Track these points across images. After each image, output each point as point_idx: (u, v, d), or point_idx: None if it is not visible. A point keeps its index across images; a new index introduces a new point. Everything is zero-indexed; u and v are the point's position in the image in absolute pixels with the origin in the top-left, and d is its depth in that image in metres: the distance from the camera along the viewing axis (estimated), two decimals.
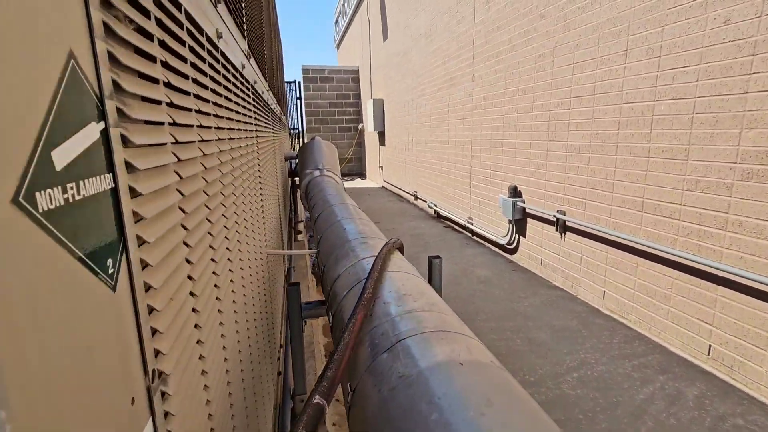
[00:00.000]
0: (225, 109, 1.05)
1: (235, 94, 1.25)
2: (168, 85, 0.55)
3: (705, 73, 2.37)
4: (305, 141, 10.36)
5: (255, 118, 1.75)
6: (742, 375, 2.30)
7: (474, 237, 5.54)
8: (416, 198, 8.15)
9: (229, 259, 1.01)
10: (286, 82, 13.91)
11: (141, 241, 0.40)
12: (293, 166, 6.05)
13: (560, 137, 3.65)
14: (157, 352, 0.41)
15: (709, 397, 2.22)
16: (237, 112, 1.26)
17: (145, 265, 0.39)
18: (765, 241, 2.13)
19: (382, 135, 11.03)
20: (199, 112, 0.76)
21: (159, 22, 0.53)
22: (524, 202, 4.25)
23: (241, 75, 1.44)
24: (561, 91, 3.59)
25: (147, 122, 0.47)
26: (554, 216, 3.72)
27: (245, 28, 1.68)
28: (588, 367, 2.51)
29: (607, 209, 3.16)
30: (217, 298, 0.87)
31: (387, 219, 7.00)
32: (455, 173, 6.11)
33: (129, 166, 0.38)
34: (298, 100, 14.61)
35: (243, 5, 1.65)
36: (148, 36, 0.48)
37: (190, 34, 0.72)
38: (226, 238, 0.96)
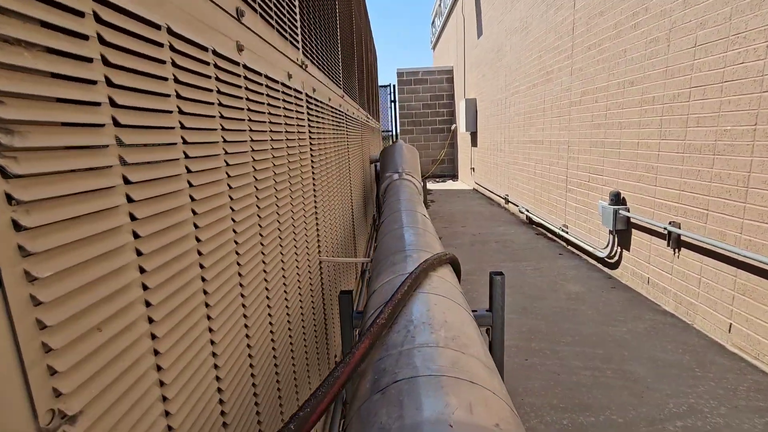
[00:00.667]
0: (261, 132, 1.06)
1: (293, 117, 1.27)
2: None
3: None
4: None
5: (310, 134, 1.77)
6: None
7: (569, 247, 5.00)
8: (507, 202, 7.68)
9: (264, 271, 1.01)
10: (381, 87, 14.27)
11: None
12: (378, 169, 6.15)
13: (676, 135, 3.07)
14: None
15: None
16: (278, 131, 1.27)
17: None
18: None
19: (474, 135, 10.66)
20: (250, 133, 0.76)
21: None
22: (628, 211, 3.69)
23: (331, 108, 1.47)
24: (678, 80, 3.02)
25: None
26: (665, 228, 3.15)
27: (341, 81, 1.72)
28: (699, 416, 2.06)
29: (738, 223, 2.57)
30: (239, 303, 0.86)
31: (474, 223, 6.72)
32: (549, 176, 5.59)
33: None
34: (392, 103, 14.88)
35: (341, 69, 1.69)
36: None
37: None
38: (236, 252, 0.96)
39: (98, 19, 0.49)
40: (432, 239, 1.90)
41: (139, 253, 0.56)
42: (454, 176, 13.93)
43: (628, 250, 3.79)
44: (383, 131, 14.73)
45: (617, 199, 3.80)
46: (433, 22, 18.24)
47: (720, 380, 2.33)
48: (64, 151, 0.44)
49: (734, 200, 2.59)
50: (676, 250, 3.14)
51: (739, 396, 2.19)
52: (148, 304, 0.57)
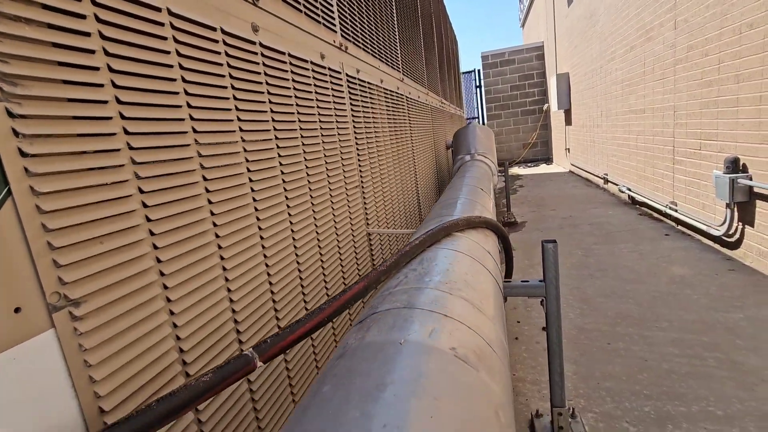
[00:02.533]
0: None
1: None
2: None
3: None
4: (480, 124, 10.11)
5: (353, 113, 1.86)
6: None
7: (678, 226, 4.36)
8: (606, 182, 6.93)
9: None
10: (464, 73, 13.90)
11: None
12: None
13: None
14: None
15: None
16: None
17: None
18: None
19: (568, 113, 9.80)
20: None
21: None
22: (750, 179, 3.09)
23: (385, 89, 1.57)
24: None
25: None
26: None
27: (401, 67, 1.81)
28: None
29: None
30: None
31: (566, 206, 6.22)
32: (654, 148, 4.92)
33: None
34: (478, 89, 14.40)
35: (399, 52, 1.79)
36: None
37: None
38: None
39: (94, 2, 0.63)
40: (483, 210, 1.86)
41: (140, 191, 0.69)
42: (548, 159, 12.97)
43: (752, 225, 3.18)
44: (468, 118, 14.33)
45: (734, 166, 3.21)
46: None
47: None
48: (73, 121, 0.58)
49: None
50: None
51: None
52: (152, 233, 0.70)
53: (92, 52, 0.61)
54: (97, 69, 0.62)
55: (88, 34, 0.61)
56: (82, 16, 0.60)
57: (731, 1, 3.21)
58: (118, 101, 0.66)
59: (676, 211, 4.32)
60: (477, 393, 0.55)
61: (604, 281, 3.29)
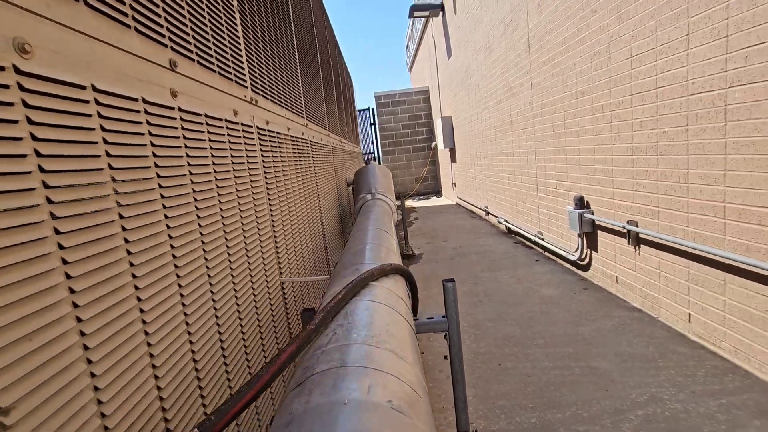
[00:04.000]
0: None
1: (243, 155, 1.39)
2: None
3: None
4: (378, 164, 10.69)
5: (264, 162, 1.89)
6: None
7: (545, 253, 5.14)
8: (487, 213, 7.85)
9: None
10: (359, 110, 14.59)
11: None
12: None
13: (624, 139, 3.27)
14: None
15: None
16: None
17: None
18: None
19: (452, 151, 10.93)
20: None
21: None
22: (592, 213, 3.86)
23: (292, 137, 1.60)
24: (620, 89, 3.24)
25: None
26: (624, 227, 3.31)
27: (305, 113, 1.86)
28: (659, 404, 2.15)
29: (684, 217, 2.73)
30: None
31: (455, 237, 6.85)
32: (522, 185, 5.78)
33: None
34: (372, 126, 15.21)
35: (302, 99, 1.84)
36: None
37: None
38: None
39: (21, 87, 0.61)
40: (392, 256, 2.01)
41: (72, 291, 0.66)
42: (438, 193, 14.15)
43: (596, 251, 3.94)
44: (365, 153, 14.98)
45: (581, 203, 3.97)
46: (407, 46, 18.85)
47: (680, 368, 2.44)
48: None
49: (678, 196, 2.76)
50: (636, 247, 3.29)
51: (698, 381, 2.29)
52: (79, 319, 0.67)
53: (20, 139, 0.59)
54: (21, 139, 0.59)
55: (15, 121, 0.58)
56: (10, 104, 0.58)
57: (567, 73, 4.06)
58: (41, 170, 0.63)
59: (542, 239, 5.10)
60: None
61: (491, 306, 3.71)
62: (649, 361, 2.54)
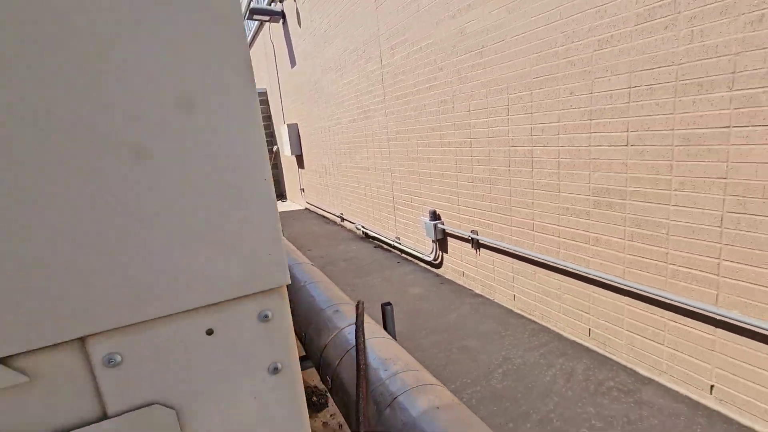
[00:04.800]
0: None
1: None
2: None
3: (563, 129, 3.17)
4: None
5: None
6: (611, 348, 3.14)
7: (403, 255, 6.14)
8: (343, 220, 8.57)
9: None
10: None
11: None
12: None
13: (466, 170, 4.36)
14: None
15: (592, 368, 3.00)
16: None
17: None
18: (610, 251, 2.96)
19: (300, 158, 11.25)
20: None
21: None
22: (443, 224, 4.93)
23: None
24: (462, 132, 4.30)
25: None
26: (469, 236, 4.43)
27: None
28: (510, 362, 3.19)
29: (509, 229, 3.92)
30: None
31: (317, 244, 7.32)
32: (379, 197, 6.66)
33: None
34: None
35: None
36: None
37: None
38: None
39: None
40: (338, 291, 2.42)
41: None
42: (282, 196, 14.22)
43: (447, 253, 5.05)
44: None
45: (435, 216, 5.01)
46: None
47: (515, 334, 3.58)
48: None
49: (505, 215, 3.94)
50: (478, 250, 4.45)
51: (526, 341, 3.45)
52: None
53: None
54: None
55: None
56: None
57: (420, 111, 5.02)
58: None
59: (400, 244, 6.07)
60: None
61: (375, 309, 4.39)
62: (497, 333, 3.62)
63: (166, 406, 0.55)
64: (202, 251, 0.54)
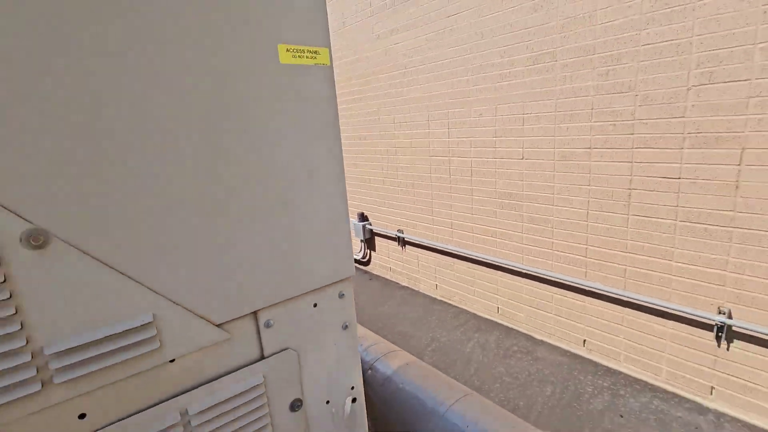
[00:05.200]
0: None
1: None
2: None
3: (474, 143, 3.84)
4: None
5: None
6: (514, 321, 3.91)
7: None
8: None
9: None
10: None
11: None
12: None
13: (392, 176, 4.89)
14: None
15: (501, 338, 3.72)
16: None
17: None
18: (512, 242, 3.71)
19: None
20: None
21: None
22: (371, 225, 5.41)
23: None
24: (388, 141, 4.81)
25: None
26: (396, 234, 4.97)
27: None
28: (437, 339, 3.77)
29: (431, 227, 4.54)
30: None
31: None
32: None
33: None
34: None
35: None
36: None
37: None
38: None
39: None
40: None
41: None
42: None
43: (374, 251, 5.53)
44: None
45: (362, 217, 5.46)
46: None
47: (439, 317, 4.19)
48: None
49: (427, 215, 4.54)
50: (403, 247, 5.01)
51: (449, 322, 4.08)
52: None
53: None
54: None
55: None
56: None
57: (354, 120, 5.42)
58: None
59: None
60: None
61: None
62: (424, 317, 4.20)
63: (293, 350, 0.87)
64: (317, 256, 0.89)
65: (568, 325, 3.47)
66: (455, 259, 4.35)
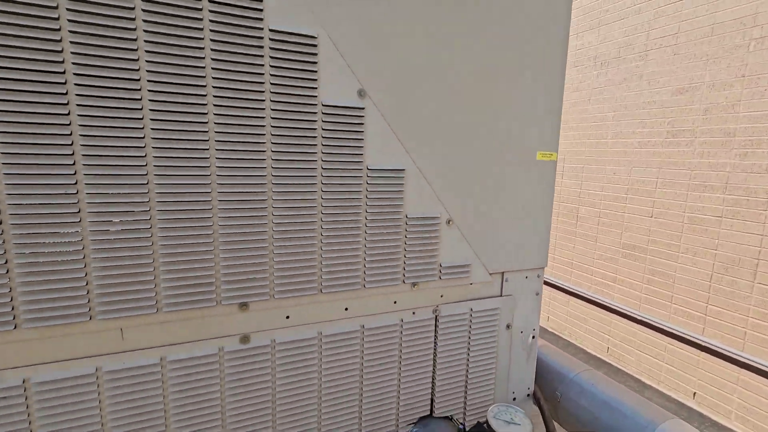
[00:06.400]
0: None
1: None
2: None
3: (606, 198, 4.37)
4: None
5: None
6: (623, 362, 4.23)
7: None
8: None
9: None
10: None
11: None
12: None
13: None
14: None
15: (609, 375, 4.10)
16: None
17: None
18: (632, 290, 4.10)
19: None
20: None
21: None
22: None
23: None
24: None
25: None
26: None
27: None
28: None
29: (550, 264, 5.07)
30: None
31: None
32: None
33: None
34: None
35: None
36: None
37: None
38: None
39: None
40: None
41: None
42: None
43: None
44: None
45: None
46: None
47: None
48: None
49: (550, 254, 5.10)
50: None
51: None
52: None
53: None
54: None
55: None
56: None
57: None
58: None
59: None
60: None
61: None
62: None
63: (513, 297, 1.72)
64: (538, 243, 1.71)
65: (680, 376, 3.74)
66: (571, 297, 4.82)
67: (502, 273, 1.65)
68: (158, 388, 1.11)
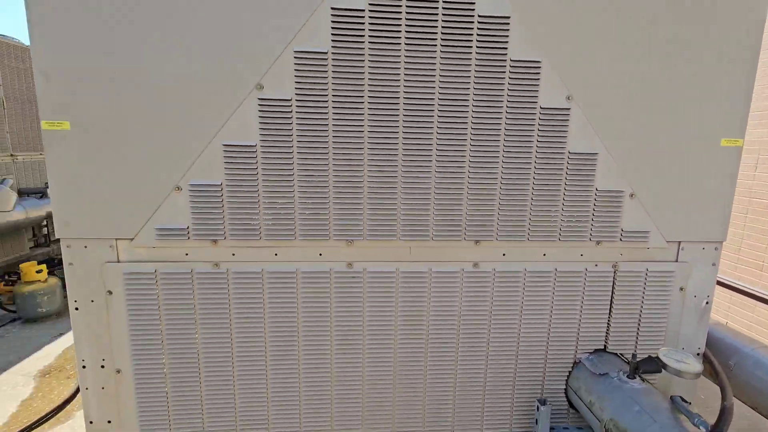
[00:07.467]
0: None
1: None
2: None
3: None
4: None
5: None
6: None
7: None
8: None
9: None
10: None
11: None
12: None
13: None
14: None
15: None
16: None
17: None
18: None
19: None
20: None
21: None
22: None
23: None
24: None
25: None
26: None
27: None
28: None
29: (735, 266, 4.62)
30: None
31: None
32: None
33: None
34: None
35: None
36: None
37: None
38: None
39: None
40: None
41: None
42: None
43: None
44: None
45: None
46: None
47: None
48: None
49: (732, 254, 4.64)
50: None
51: None
52: None
53: None
54: None
55: None
56: None
57: None
58: None
59: None
60: None
61: None
62: None
63: (689, 264, 2.00)
64: (720, 217, 1.96)
65: None
66: (759, 302, 4.35)
67: (679, 242, 1.94)
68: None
